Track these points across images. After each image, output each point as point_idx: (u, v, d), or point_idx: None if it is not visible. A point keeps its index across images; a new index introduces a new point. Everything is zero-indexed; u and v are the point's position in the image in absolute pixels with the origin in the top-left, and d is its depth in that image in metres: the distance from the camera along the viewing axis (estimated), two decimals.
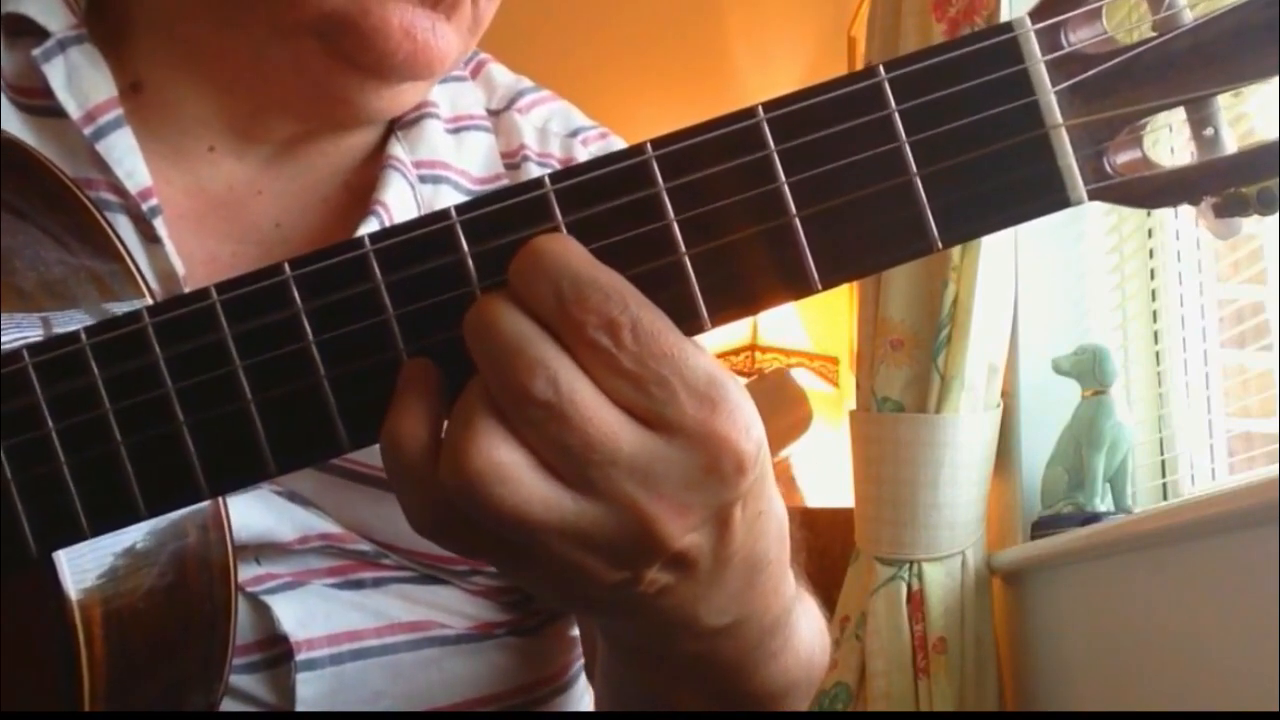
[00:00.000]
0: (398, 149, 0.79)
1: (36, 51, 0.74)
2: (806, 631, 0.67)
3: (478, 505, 0.47)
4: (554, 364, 0.47)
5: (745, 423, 0.48)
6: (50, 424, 0.53)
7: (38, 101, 0.74)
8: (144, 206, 0.72)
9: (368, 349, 0.52)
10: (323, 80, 0.73)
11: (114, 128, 0.74)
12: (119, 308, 0.59)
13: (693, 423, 0.47)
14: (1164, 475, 2.10)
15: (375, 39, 0.71)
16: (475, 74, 0.87)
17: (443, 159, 0.80)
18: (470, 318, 0.49)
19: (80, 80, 0.74)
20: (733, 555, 0.51)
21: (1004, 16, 2.05)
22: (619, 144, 0.88)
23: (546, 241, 0.49)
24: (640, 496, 0.48)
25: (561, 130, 0.86)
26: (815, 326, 3.31)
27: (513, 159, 0.84)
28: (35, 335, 0.57)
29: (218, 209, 0.77)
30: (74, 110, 0.73)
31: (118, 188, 0.73)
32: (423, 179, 0.79)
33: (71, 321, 0.57)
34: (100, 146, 0.73)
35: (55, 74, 0.74)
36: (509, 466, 0.47)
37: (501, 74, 0.88)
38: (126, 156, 0.73)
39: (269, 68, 0.74)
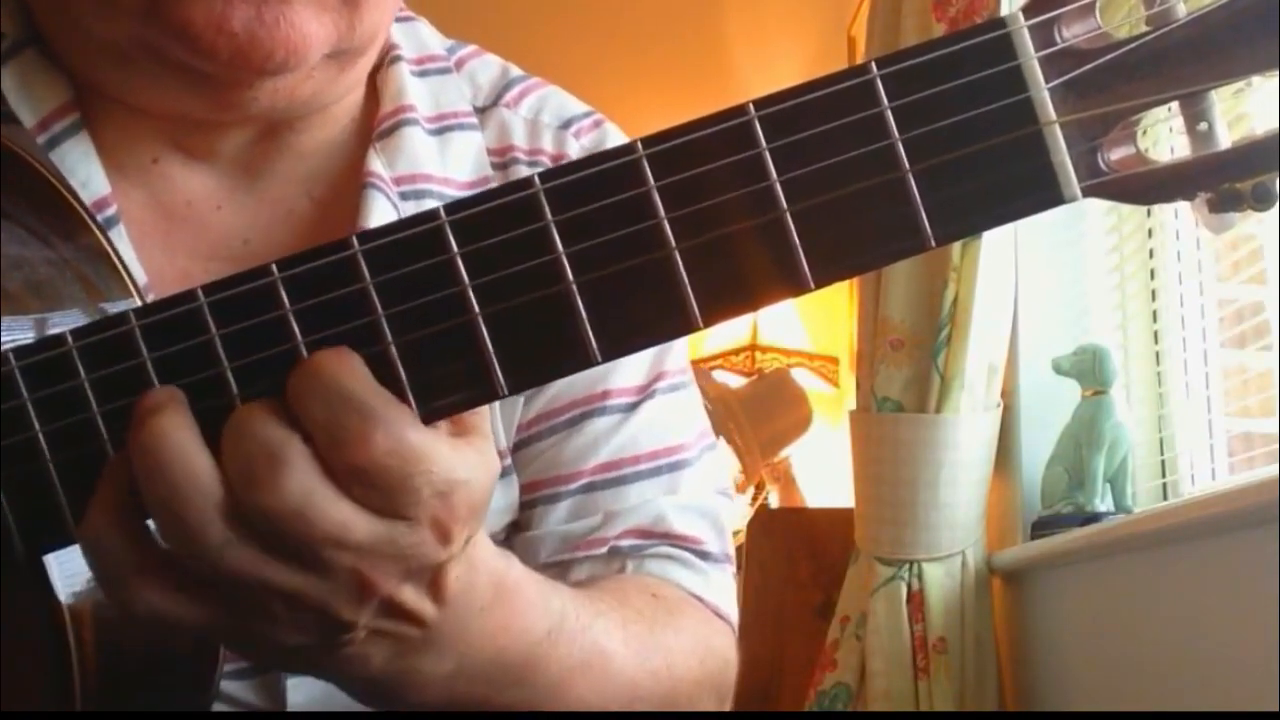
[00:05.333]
0: (376, 164, 0.76)
1: None
2: (625, 666, 0.70)
3: (207, 573, 0.52)
4: (300, 472, 0.51)
5: (468, 505, 0.53)
6: (37, 426, 0.53)
7: None
8: (99, 217, 0.70)
9: (356, 347, 0.52)
10: (188, 90, 0.70)
11: (68, 135, 0.72)
12: (106, 308, 0.59)
13: (427, 516, 0.52)
14: (1164, 475, 2.09)
15: (187, 41, 0.66)
16: (460, 67, 0.84)
17: (424, 170, 0.78)
18: (233, 417, 0.51)
19: (33, 86, 0.72)
20: (445, 599, 0.56)
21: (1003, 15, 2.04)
22: (613, 131, 0.86)
23: (325, 359, 0.51)
24: (360, 567, 0.52)
25: (553, 121, 0.83)
26: (815, 326, 3.30)
27: (501, 158, 0.81)
28: (22, 337, 0.56)
29: (181, 225, 0.75)
30: (27, 118, 0.71)
31: (76, 197, 0.69)
32: (404, 195, 0.76)
33: (59, 324, 0.57)
34: (54, 155, 0.71)
35: (7, 79, 0.71)
36: (230, 544, 0.51)
37: (485, 68, 0.85)
38: (80, 165, 0.71)
39: (147, 87, 0.71)
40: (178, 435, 0.51)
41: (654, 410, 0.83)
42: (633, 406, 0.82)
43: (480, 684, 0.62)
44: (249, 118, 0.73)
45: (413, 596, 0.55)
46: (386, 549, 0.52)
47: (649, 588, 0.79)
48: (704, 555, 0.83)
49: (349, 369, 0.51)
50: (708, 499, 0.85)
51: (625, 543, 0.80)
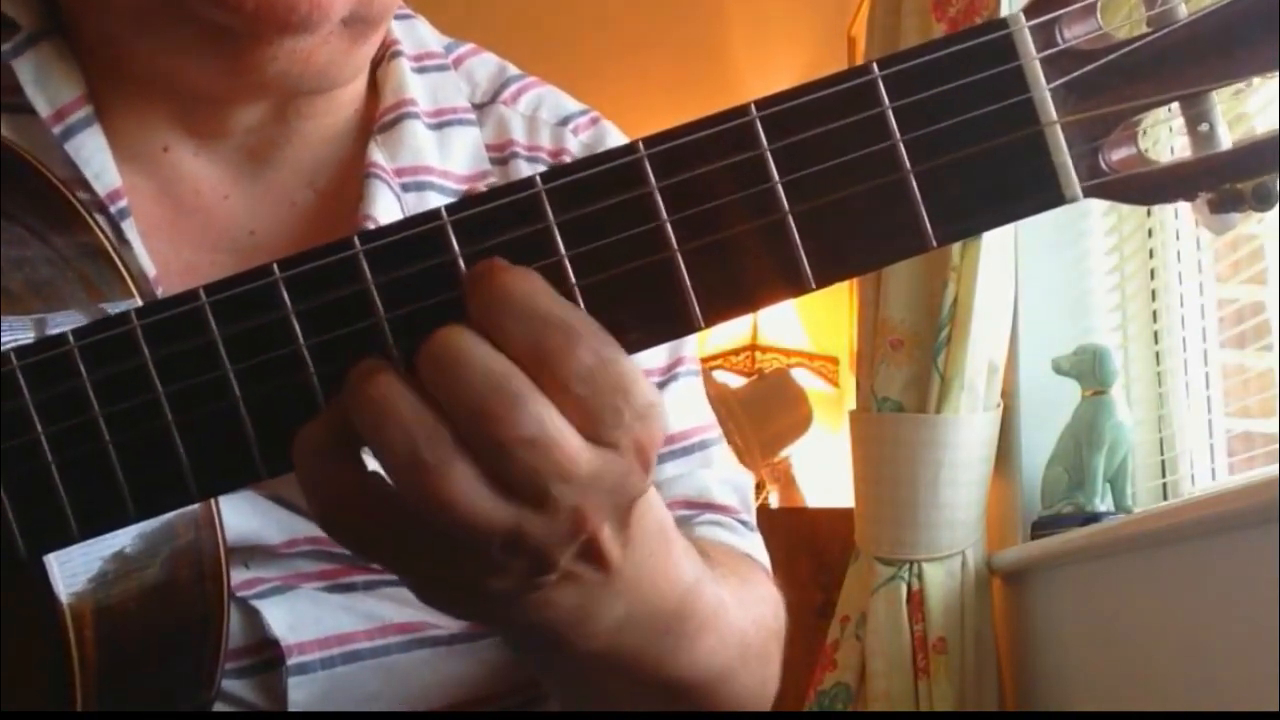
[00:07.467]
0: (378, 155, 0.77)
1: (6, 46, 0.73)
2: (737, 617, 0.70)
3: (437, 518, 0.50)
4: (534, 401, 0.49)
5: (661, 430, 0.52)
6: (39, 427, 0.53)
7: (11, 98, 0.73)
8: (113, 209, 0.72)
9: (358, 349, 0.52)
10: (207, 53, 0.71)
11: (82, 127, 0.73)
12: (107, 308, 0.59)
13: (632, 441, 0.51)
14: (1164, 475, 2.09)
15: None
16: (458, 65, 0.85)
17: (425, 162, 0.79)
18: (438, 352, 0.49)
19: (49, 77, 0.73)
20: (628, 542, 0.55)
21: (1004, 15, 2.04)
22: (610, 128, 0.87)
23: (514, 281, 0.50)
24: (580, 503, 0.51)
25: (551, 118, 0.84)
26: (815, 326, 3.30)
27: (500, 153, 0.82)
28: (23, 337, 0.56)
29: (189, 216, 0.76)
30: (43, 108, 0.72)
31: (89, 188, 0.72)
32: (405, 187, 0.77)
33: (60, 323, 0.57)
34: (69, 146, 0.72)
35: (24, 70, 0.73)
36: (473, 484, 0.49)
37: (483, 66, 0.86)
38: (95, 156, 0.72)
39: (167, 56, 0.72)
40: (396, 385, 0.50)
41: (679, 391, 0.84)
42: (659, 387, 0.83)
43: (641, 632, 0.61)
44: (264, 84, 0.73)
45: (609, 535, 0.54)
46: (603, 482, 0.51)
47: (720, 544, 0.80)
48: (743, 523, 0.85)
49: (539, 287, 0.50)
50: (738, 474, 0.86)
51: (675, 513, 0.81)
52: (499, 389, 0.49)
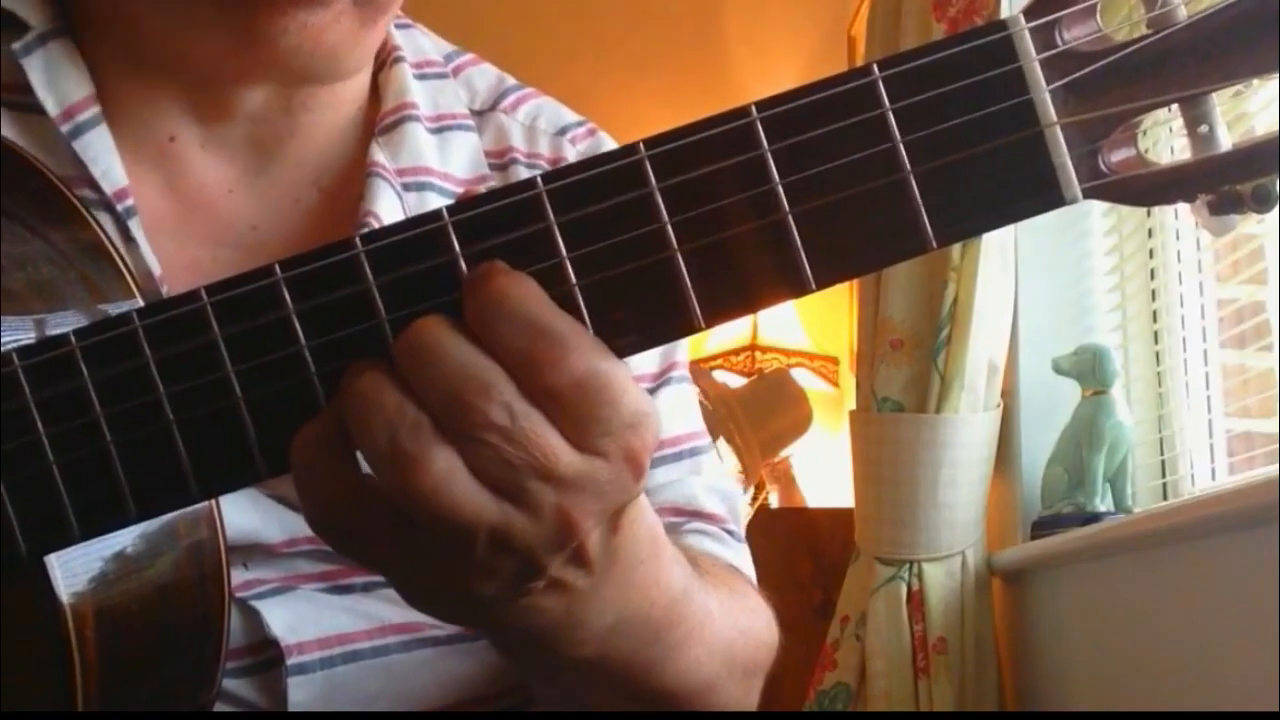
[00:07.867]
0: (380, 155, 0.78)
1: (16, 45, 0.74)
2: (724, 627, 0.71)
3: (420, 510, 0.50)
4: (505, 392, 0.50)
5: (653, 438, 0.52)
6: (40, 427, 0.53)
7: (19, 97, 0.74)
8: (119, 207, 0.72)
9: (359, 350, 0.52)
10: (222, 25, 0.72)
11: (91, 126, 0.73)
12: (109, 309, 0.59)
13: (621, 448, 0.51)
14: (1164, 475, 2.09)
15: None
16: (456, 74, 0.86)
17: (426, 164, 0.79)
18: (415, 341, 0.50)
19: (58, 76, 0.74)
20: (617, 549, 0.56)
21: (1004, 16, 2.03)
22: (607, 139, 0.88)
23: (510, 285, 0.50)
24: (565, 505, 0.51)
25: (550, 128, 0.85)
26: (815, 326, 3.30)
27: (500, 159, 0.83)
28: (25, 337, 0.56)
29: (193, 211, 0.76)
30: (52, 108, 0.73)
31: (96, 187, 0.72)
32: (406, 186, 0.78)
33: (61, 323, 0.57)
34: (77, 145, 0.73)
35: (34, 70, 0.73)
36: (453, 474, 0.50)
37: (482, 75, 0.87)
38: (102, 155, 0.73)
39: (181, 30, 0.73)
40: (382, 379, 0.50)
41: (670, 397, 0.85)
42: (651, 393, 0.83)
43: (630, 639, 0.61)
44: (274, 59, 0.74)
45: (597, 541, 0.54)
46: (589, 485, 0.51)
47: (707, 554, 0.80)
48: (730, 533, 0.85)
49: (535, 294, 0.50)
50: (727, 483, 0.87)
51: (663, 520, 0.81)
52: (471, 377, 0.49)
